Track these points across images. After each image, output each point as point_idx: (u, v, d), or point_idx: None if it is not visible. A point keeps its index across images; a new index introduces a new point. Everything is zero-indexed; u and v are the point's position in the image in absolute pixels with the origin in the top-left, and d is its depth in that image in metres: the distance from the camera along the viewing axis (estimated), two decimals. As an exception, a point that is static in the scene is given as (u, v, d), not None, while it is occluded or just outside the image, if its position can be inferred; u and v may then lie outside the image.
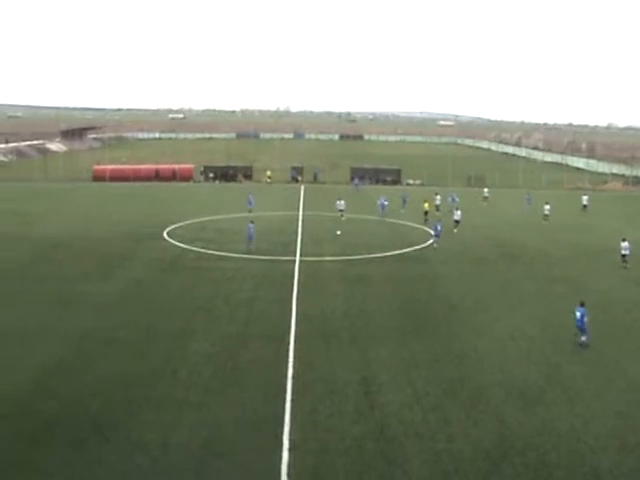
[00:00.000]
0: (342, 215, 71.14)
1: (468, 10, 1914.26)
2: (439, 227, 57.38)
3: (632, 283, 46.38)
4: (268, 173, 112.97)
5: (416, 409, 25.65)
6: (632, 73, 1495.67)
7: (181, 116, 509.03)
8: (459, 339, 33.93)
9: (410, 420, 24.68)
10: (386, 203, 73.99)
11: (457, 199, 79.13)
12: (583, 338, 32.49)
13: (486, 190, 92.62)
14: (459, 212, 65.76)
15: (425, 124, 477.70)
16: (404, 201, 78.50)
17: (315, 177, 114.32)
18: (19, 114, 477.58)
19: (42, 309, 37.81)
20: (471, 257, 53.63)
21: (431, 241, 58.19)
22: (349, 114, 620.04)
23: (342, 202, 72.43)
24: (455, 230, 62.54)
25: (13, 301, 39.50)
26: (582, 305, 32.77)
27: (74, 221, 68.28)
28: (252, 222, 56.14)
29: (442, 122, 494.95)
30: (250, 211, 73.23)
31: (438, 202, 77.02)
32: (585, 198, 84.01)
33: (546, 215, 72.32)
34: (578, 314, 32.52)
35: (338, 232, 61.64)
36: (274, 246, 55.84)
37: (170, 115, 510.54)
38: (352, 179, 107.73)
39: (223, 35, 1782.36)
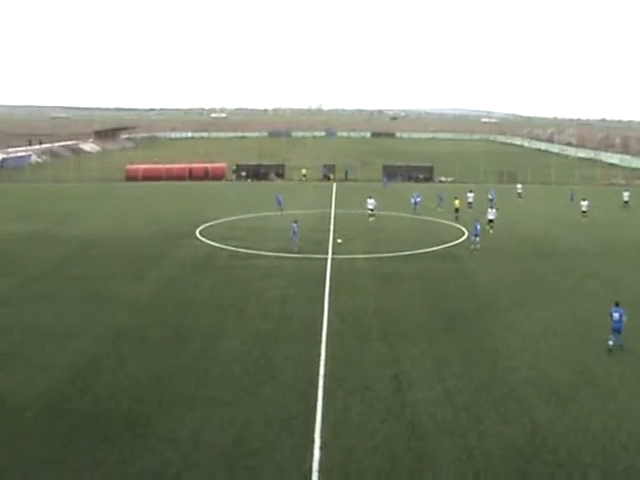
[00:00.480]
0: (372, 215, 68.94)
1: (499, 5, 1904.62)
2: (478, 227, 54.80)
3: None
4: (303, 171, 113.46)
5: (447, 406, 25.59)
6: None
7: (223, 115, 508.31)
8: (491, 336, 33.79)
9: (441, 417, 24.62)
10: (419, 200, 73.79)
11: (494, 196, 78.65)
12: (612, 342, 31.38)
13: (519, 186, 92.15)
14: (494, 210, 63.35)
15: (465, 120, 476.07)
16: (440, 199, 76.96)
17: (346, 175, 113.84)
18: (62, 115, 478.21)
19: (76, 308, 38.15)
20: (503, 254, 53.34)
21: (470, 241, 55.79)
22: (386, 112, 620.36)
23: (372, 201, 69.89)
24: (491, 230, 61.02)
25: (47, 300, 39.84)
26: (618, 305, 31.60)
27: (107, 221, 68.83)
28: (296, 221, 55.38)
29: (485, 119, 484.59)
30: (280, 210, 73.36)
31: (471, 200, 76.05)
32: (626, 194, 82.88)
33: (584, 212, 70.45)
34: (617, 315, 31.11)
35: (339, 241, 56.55)
36: (306, 244, 55.79)
37: (212, 114, 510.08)
38: (383, 177, 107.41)
39: (256, 34, 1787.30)
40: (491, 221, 62.11)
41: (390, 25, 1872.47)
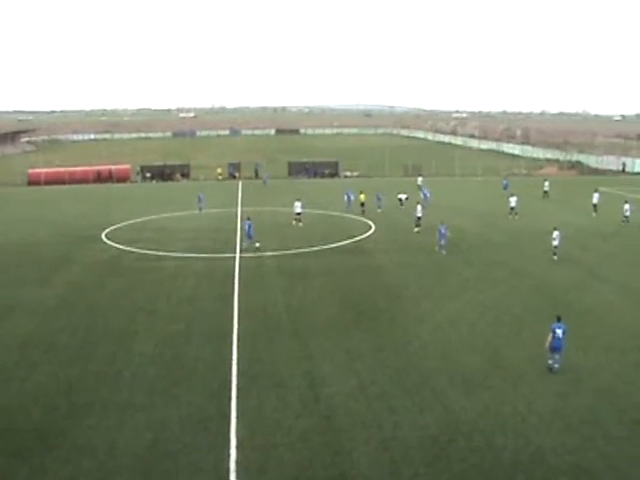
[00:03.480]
0: (299, 220, 64.17)
1: (402, 1, 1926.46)
2: (443, 230, 51.50)
3: (568, 265, 47.28)
4: (219, 170, 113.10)
5: (361, 399, 25.79)
6: (563, 60, 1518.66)
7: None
8: (401, 327, 34.23)
9: (356, 410, 24.82)
10: (352, 196, 73.53)
11: (428, 195, 76.84)
12: (556, 364, 28.42)
13: (420, 178, 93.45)
14: (419, 207, 61.70)
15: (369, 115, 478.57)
16: (379, 199, 73.65)
17: (256, 173, 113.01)
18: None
19: (-21, 317, 37.13)
20: (411, 246, 54.03)
21: (439, 245, 51.72)
22: (289, 109, 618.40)
23: (299, 204, 64.99)
24: (416, 229, 60.84)
25: (-52, 310, 38.65)
26: (560, 320, 28.76)
27: (9, 226, 67.22)
28: (249, 218, 54.69)
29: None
30: (200, 209, 73.47)
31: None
32: (546, 184, 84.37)
33: (512, 208, 68.33)
34: (560, 332, 28.22)
35: (257, 244, 53.27)
36: (214, 243, 55.65)
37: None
38: (264, 174, 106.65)
39: (154, 32, 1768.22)
40: (419, 218, 60.79)
41: (291, 21, 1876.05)
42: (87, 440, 22.98)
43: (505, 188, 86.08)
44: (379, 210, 71.72)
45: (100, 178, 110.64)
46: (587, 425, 23.63)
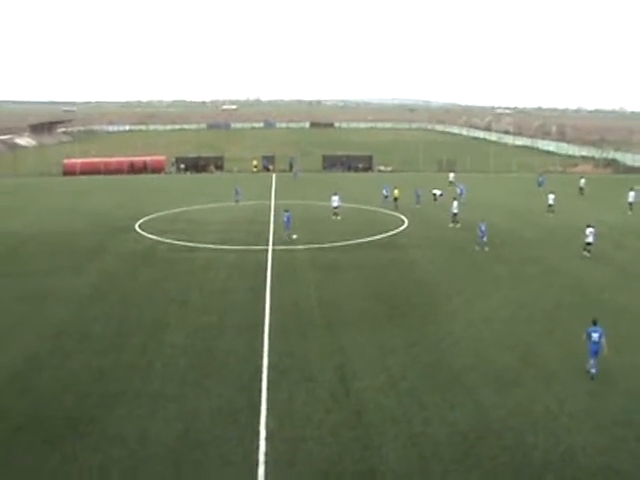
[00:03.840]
0: (337, 214, 64.06)
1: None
2: (483, 227, 50.77)
3: (602, 263, 46.92)
4: (254, 162, 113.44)
5: (392, 394, 25.73)
6: (600, 56, 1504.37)
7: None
8: (433, 323, 34.11)
9: (386, 405, 24.77)
10: (389, 192, 73.09)
11: (463, 190, 76.03)
12: (592, 369, 27.42)
13: (452, 175, 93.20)
14: (456, 204, 61.34)
15: (404, 109, 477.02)
16: (418, 195, 73.04)
17: (291, 166, 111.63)
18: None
19: (13, 305, 37.49)
20: (444, 242, 53.87)
21: (478, 243, 51.05)
22: (324, 102, 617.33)
23: (337, 197, 64.86)
24: (456, 224, 60.95)
25: (-17, 298, 39.06)
26: (596, 324, 27.84)
27: (44, 216, 67.80)
28: (287, 210, 55.76)
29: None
30: (237, 201, 73.75)
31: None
32: (582, 181, 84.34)
33: (550, 205, 68.37)
34: (596, 335, 27.26)
35: (294, 236, 54.64)
36: (247, 235, 55.76)
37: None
38: (294, 167, 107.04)
39: (190, 25, 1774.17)
40: (455, 214, 60.62)
41: (327, 15, 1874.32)
42: (118, 429, 23.13)
43: (540, 185, 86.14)
44: (418, 206, 71.24)
45: (134, 169, 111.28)
46: (619, 426, 23.40)
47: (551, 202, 68.52)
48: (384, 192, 73.58)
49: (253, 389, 26.16)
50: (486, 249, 50.06)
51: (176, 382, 27.02)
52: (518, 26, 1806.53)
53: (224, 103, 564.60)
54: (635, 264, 47.11)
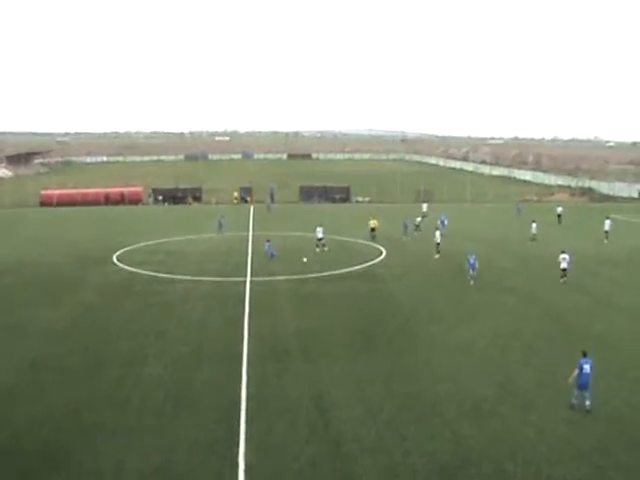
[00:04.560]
0: (323, 245, 63.25)
1: (410, 26, 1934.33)
2: (472, 260, 49.87)
3: (579, 292, 47.21)
4: (235, 194, 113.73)
5: (371, 425, 25.64)
6: (576, 87, 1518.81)
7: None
8: (411, 353, 34.08)
9: (365, 436, 24.66)
10: (409, 222, 72.81)
11: (443, 221, 75.77)
12: (587, 401, 27.00)
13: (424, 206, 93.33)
14: (438, 233, 61.69)
15: (380, 140, 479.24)
16: (406, 227, 72.47)
17: (271, 197, 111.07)
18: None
19: (-12, 338, 37.16)
20: (421, 271, 54.03)
21: (469, 275, 49.80)
22: (302, 134, 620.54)
23: (321, 229, 64.03)
24: (436, 255, 60.59)
25: (-42, 330, 38.70)
26: (586, 355, 27.54)
27: (21, 247, 67.44)
28: (268, 240, 57.15)
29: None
30: (221, 234, 73.62)
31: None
32: (559, 209, 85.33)
33: (534, 234, 69.35)
34: (587, 367, 27.00)
35: (304, 260, 57.51)
36: (225, 266, 55.72)
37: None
38: (268, 199, 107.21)
39: (169, 57, 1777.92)
40: (438, 244, 60.74)
41: (302, 46, 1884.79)
42: (95, 462, 22.89)
43: (519, 213, 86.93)
44: (405, 238, 70.67)
45: (112, 200, 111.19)
46: (598, 454, 23.42)
47: (534, 231, 69.36)
48: (404, 225, 72.44)
49: (232, 420, 25.99)
50: (472, 282, 49.11)
51: (154, 414, 26.80)
52: (494, 57, 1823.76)
53: (201, 134, 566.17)
54: (611, 292, 47.41)
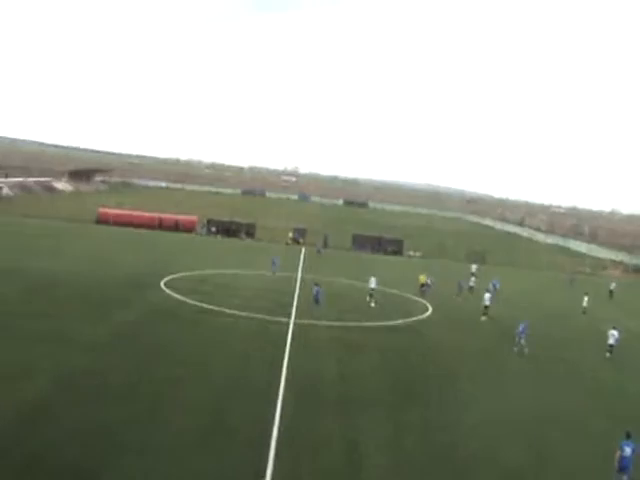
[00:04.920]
0: (372, 298, 61.50)
1: (477, 86, 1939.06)
2: (522, 327, 48.63)
3: (626, 370, 46.55)
4: (290, 235, 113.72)
5: (401, 475, 25.34)
6: (636, 158, 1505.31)
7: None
8: (449, 411, 33.69)
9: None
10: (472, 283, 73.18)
11: (496, 285, 75.87)
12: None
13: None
14: (489, 296, 61.04)
15: (436, 196, 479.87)
16: (460, 287, 72.39)
17: (325, 242, 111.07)
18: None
19: (31, 346, 37.45)
20: (470, 332, 53.63)
21: (516, 343, 48.53)
22: (360, 181, 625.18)
23: (374, 279, 63.20)
24: (483, 317, 61.03)
25: (2, 336, 39.16)
26: (630, 437, 26.89)
27: (74, 260, 68.33)
28: (317, 284, 57.61)
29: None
30: (274, 272, 73.34)
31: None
32: (613, 285, 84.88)
33: (585, 307, 68.83)
34: (628, 450, 26.31)
35: (372, 304, 59.55)
36: (271, 304, 55.78)
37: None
38: (317, 243, 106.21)
39: (236, 90, 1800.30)
40: (487, 307, 59.97)
41: (371, 96, 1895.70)
42: (119, 481, 22.90)
43: (571, 283, 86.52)
44: (458, 298, 69.81)
45: (165, 226, 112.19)
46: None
47: (585, 304, 68.80)
48: (460, 283, 72.39)
49: (260, 456, 25.82)
50: (525, 350, 47.69)
51: (183, 440, 26.74)
52: (557, 123, 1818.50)
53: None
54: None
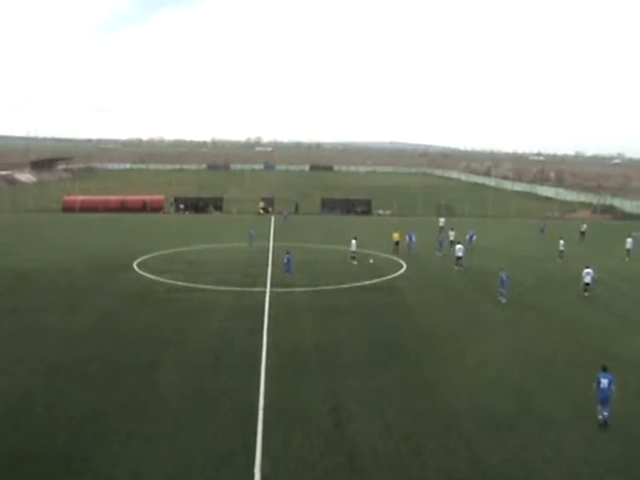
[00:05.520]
0: (353, 258, 63.35)
1: (436, 40, 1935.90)
2: (504, 277, 48.81)
3: (600, 310, 47.00)
4: (261, 204, 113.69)
5: (387, 439, 25.53)
6: (599, 102, 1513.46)
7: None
8: (429, 368, 33.95)
9: (381, 450, 24.56)
10: (414, 238, 71.99)
11: (474, 237, 76.46)
12: (605, 413, 27.11)
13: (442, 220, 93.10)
14: (461, 247, 62.07)
15: (403, 153, 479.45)
16: (440, 244, 71.63)
17: (296, 208, 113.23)
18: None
19: (8, 342, 37.35)
20: (441, 286, 53.95)
21: (499, 293, 48.90)
22: (324, 145, 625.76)
23: (355, 242, 64.27)
24: (459, 268, 61.75)
25: (-23, 334, 38.86)
26: (606, 370, 27.73)
27: (43, 252, 67.87)
28: (288, 252, 56.78)
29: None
30: (251, 245, 73.07)
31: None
32: (584, 226, 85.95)
33: (561, 251, 68.92)
34: (605, 382, 27.11)
35: (371, 261, 63.33)
36: (245, 277, 55.75)
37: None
38: (284, 211, 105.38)
39: (193, 66, 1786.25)
40: (459, 258, 61.02)
41: (326, 58, 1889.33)
42: (111, 468, 22.92)
43: (542, 231, 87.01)
44: (439, 254, 69.58)
45: (133, 207, 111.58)
46: (615, 474, 23.20)
47: (562, 248, 69.15)
48: (408, 237, 71.97)
49: (248, 431, 25.94)
50: (503, 300, 48.28)
51: (170, 422, 26.81)
52: (517, 71, 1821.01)
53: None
54: (631, 310, 47.18)
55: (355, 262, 62.81)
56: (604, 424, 26.95)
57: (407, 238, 71.72)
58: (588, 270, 50.77)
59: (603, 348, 37.71)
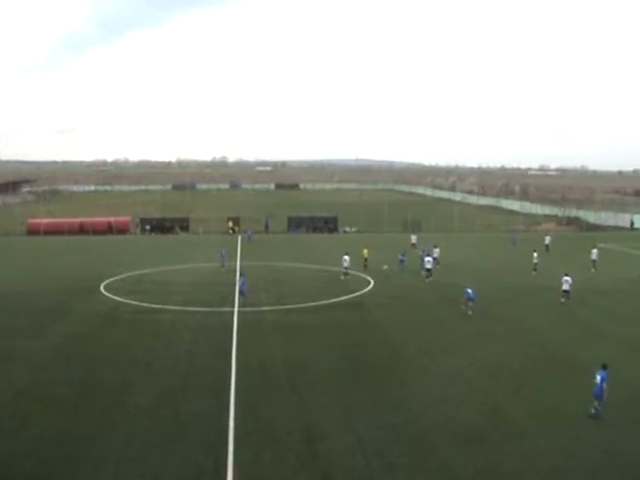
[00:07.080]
0: (346, 274, 64.37)
1: (399, 57, 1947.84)
2: (470, 291, 49.48)
3: (566, 321, 47.36)
4: (230, 224, 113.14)
5: (359, 455, 25.43)
6: (563, 116, 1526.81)
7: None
8: (399, 383, 33.92)
9: (353, 466, 24.46)
10: (405, 258, 70.95)
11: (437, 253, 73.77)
12: (592, 409, 28.80)
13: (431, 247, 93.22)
14: (429, 259, 63.24)
15: (368, 170, 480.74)
16: (401, 262, 70.75)
17: (266, 227, 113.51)
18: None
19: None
20: (409, 301, 54.06)
21: (465, 306, 49.50)
22: (289, 164, 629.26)
23: (348, 258, 65.03)
24: (428, 279, 61.60)
25: (-59, 360, 38.31)
26: (605, 368, 29.27)
27: (7, 276, 67.15)
28: (242, 275, 56.36)
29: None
30: (223, 265, 72.29)
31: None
32: (548, 238, 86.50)
33: (536, 264, 68.91)
34: (598, 378, 28.83)
35: (385, 267, 67.51)
36: (212, 297, 55.51)
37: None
38: (247, 231, 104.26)
39: (157, 85, 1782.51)
40: (429, 270, 62.56)
41: (289, 76, 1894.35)
42: (80, 494, 22.63)
43: (514, 244, 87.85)
44: (428, 277, 65.80)
45: (99, 230, 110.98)
46: (588, 484, 23.28)
47: (535, 260, 69.38)
48: (400, 257, 71.20)
49: (219, 451, 25.73)
50: (469, 312, 48.73)
51: (140, 445, 26.53)
52: (479, 88, 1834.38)
53: (189, 164, 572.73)
54: (598, 321, 47.58)
55: (347, 277, 64.06)
56: (595, 416, 28.64)
57: (400, 257, 70.95)
58: (567, 278, 52.69)
59: (570, 359, 37.98)
